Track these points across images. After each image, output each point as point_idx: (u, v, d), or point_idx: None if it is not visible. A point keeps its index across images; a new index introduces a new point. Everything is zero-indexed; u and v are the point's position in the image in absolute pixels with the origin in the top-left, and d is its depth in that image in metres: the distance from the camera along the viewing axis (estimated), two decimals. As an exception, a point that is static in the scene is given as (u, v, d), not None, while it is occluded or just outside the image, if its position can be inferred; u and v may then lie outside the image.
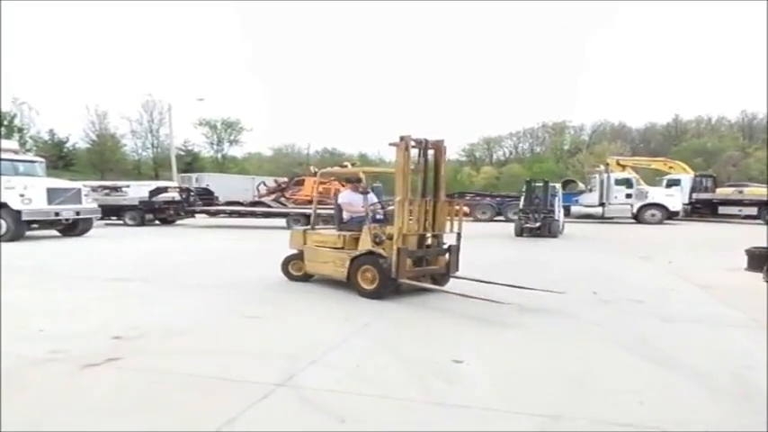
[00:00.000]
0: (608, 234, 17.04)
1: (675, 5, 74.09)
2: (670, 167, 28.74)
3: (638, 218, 22.38)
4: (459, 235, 6.37)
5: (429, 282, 6.38)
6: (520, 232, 15.28)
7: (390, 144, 6.03)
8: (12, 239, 12.90)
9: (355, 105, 74.36)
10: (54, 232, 14.82)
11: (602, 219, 23.05)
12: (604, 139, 56.36)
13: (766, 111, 50.46)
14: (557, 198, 15.57)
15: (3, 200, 12.96)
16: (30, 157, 15.58)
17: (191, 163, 49.91)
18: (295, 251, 7.17)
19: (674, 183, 25.01)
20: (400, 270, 5.75)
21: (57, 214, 13.68)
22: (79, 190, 14.56)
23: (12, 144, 17.18)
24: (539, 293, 5.96)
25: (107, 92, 75.13)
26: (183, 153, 50.95)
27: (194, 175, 31.92)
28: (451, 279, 6.58)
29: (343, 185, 27.62)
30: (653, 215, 22.28)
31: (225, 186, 28.07)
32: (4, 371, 3.48)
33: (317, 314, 5.39)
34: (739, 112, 58.16)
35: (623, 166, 27.04)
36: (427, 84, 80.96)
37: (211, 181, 31.43)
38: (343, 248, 6.45)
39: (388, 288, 5.87)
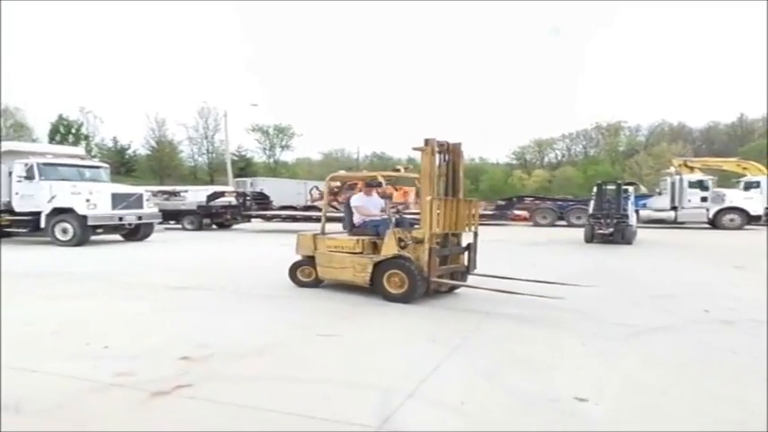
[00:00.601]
0: (686, 240, 15.76)
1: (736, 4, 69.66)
2: (744, 168, 26.65)
3: (714, 223, 20.76)
4: (476, 234, 6.49)
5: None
6: (590, 238, 14.33)
7: (415, 149, 6.12)
8: (77, 244, 13.09)
9: (406, 111, 74.08)
10: (117, 237, 15.03)
11: (674, 224, 21.54)
12: (663, 139, 53.40)
13: None
14: (629, 202, 14.49)
15: (69, 205, 13.18)
16: (95, 162, 15.87)
17: (244, 168, 50.78)
18: (301, 257, 7.03)
19: (752, 185, 23.11)
20: (432, 270, 5.89)
21: (120, 219, 13.81)
22: (141, 195, 14.67)
23: (79, 150, 17.69)
24: (625, 304, 5.22)
25: (164, 99, 77.65)
26: (236, 158, 51.90)
27: (249, 180, 32.16)
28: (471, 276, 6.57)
29: (396, 189, 27.31)
30: (731, 220, 20.61)
31: (278, 191, 28.13)
32: (65, 396, 3.14)
33: (395, 332, 4.86)
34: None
35: (691, 168, 25.32)
36: (469, 85, 79.48)
37: (265, 185, 31.56)
38: (362, 253, 6.37)
39: (418, 292, 5.90)
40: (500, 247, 13.55)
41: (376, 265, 6.15)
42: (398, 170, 7.11)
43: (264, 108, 63.37)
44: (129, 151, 47.90)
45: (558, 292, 5.86)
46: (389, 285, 6.07)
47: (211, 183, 43.40)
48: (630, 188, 15.62)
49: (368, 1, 74.30)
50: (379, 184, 6.75)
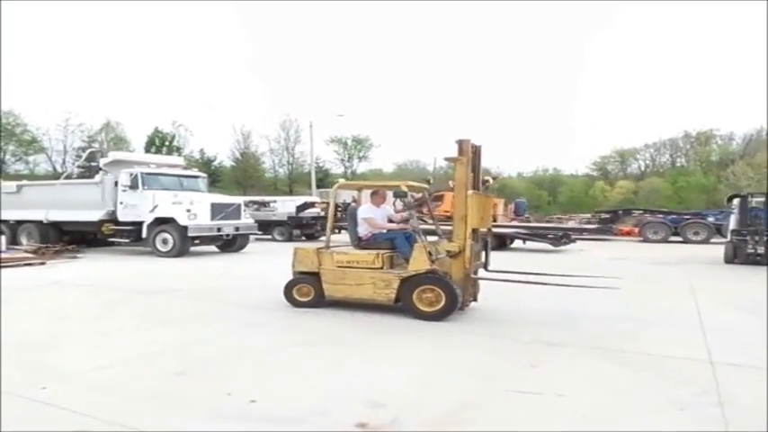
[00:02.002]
0: None
1: None
2: None
3: None
4: (490, 230, 6.54)
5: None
6: (732, 258, 12.43)
7: (448, 159, 6.04)
8: (177, 255, 12.85)
9: (475, 122, 72.54)
10: (213, 248, 14.78)
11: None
12: (761, 148, 48.38)
13: None
14: (781, 216, 12.44)
15: (170, 215, 12.99)
16: (193, 172, 15.80)
17: (322, 179, 50.98)
18: (298, 274, 6.48)
19: None
20: (468, 286, 5.95)
21: (219, 230, 13.49)
22: (239, 205, 14.35)
23: (178, 160, 17.79)
24: None
25: (248, 112, 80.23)
26: (314, 170, 52.29)
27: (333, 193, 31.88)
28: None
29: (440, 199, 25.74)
30: None
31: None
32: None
33: (622, 391, 3.71)
34: None
35: None
36: (540, 93, 76.20)
37: (347, 197, 31.18)
38: (381, 268, 5.95)
39: (455, 308, 5.69)
40: (627, 266, 12.00)
41: (403, 281, 5.76)
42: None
43: (344, 119, 63.94)
44: (215, 163, 49.47)
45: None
46: (420, 303, 5.75)
47: (290, 193, 43.79)
48: None
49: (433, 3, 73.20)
50: (404, 195, 6.08)
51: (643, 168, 58.56)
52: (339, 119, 49.36)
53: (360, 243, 6.47)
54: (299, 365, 4.18)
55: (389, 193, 6.72)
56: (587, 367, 4.20)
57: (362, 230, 6.50)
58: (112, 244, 15.02)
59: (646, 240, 20.62)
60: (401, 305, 5.95)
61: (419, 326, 5.54)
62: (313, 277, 6.34)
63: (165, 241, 13.08)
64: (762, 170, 44.82)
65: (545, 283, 6.44)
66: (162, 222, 13.16)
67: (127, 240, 13.97)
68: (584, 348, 4.72)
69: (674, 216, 21.58)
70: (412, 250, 5.93)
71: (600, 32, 72.14)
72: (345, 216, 7.37)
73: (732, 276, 10.46)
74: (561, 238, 15.73)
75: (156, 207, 13.28)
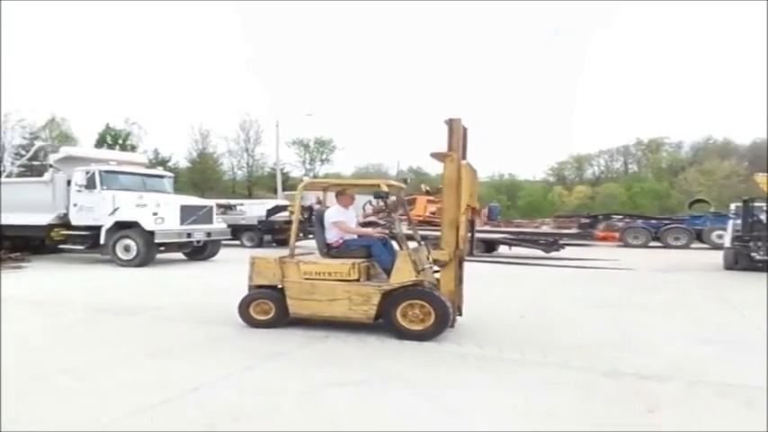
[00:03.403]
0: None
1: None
2: None
3: None
4: (474, 209, 5.68)
5: None
6: (733, 264, 12.09)
7: (435, 155, 5.25)
8: (140, 264, 11.40)
9: (438, 124, 72.24)
10: (179, 255, 13.31)
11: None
12: (710, 156, 50.49)
13: None
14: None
15: (134, 218, 11.51)
16: (159, 171, 14.26)
17: (284, 182, 49.40)
18: (256, 288, 5.54)
19: None
20: (458, 297, 5.43)
21: (189, 235, 12.09)
22: (211, 208, 13.00)
23: (142, 158, 16.15)
24: None
25: (206, 110, 76.94)
26: (274, 172, 50.63)
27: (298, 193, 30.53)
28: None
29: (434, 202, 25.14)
30: None
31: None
32: None
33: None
34: None
35: None
36: (499, 99, 77.08)
37: (314, 200, 29.95)
38: (358, 280, 5.15)
39: (446, 326, 5.03)
40: (635, 276, 11.43)
41: (385, 295, 5.00)
42: (406, 180, 6.38)
43: (305, 121, 61.73)
44: (170, 163, 46.94)
45: None
46: (405, 320, 5.02)
47: (249, 196, 42.10)
48: None
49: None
50: (386, 195, 5.35)
51: (598, 174, 60.04)
52: (301, 120, 47.91)
53: (329, 251, 5.63)
54: (362, 417, 3.12)
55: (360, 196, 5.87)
56: (719, 411, 3.32)
57: (332, 236, 5.65)
58: (62, 251, 13.33)
59: (626, 245, 20.39)
60: (381, 322, 5.14)
61: (458, 356, 4.57)
62: (275, 291, 5.44)
63: (126, 248, 11.58)
64: (712, 177, 46.60)
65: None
66: (123, 227, 11.65)
67: (81, 247, 12.32)
68: (691, 383, 3.86)
69: (653, 221, 21.51)
70: (392, 259, 5.22)
71: (553, 40, 73.40)
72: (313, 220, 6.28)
73: (752, 284, 9.93)
74: (553, 244, 15.13)
75: (116, 210, 11.77)
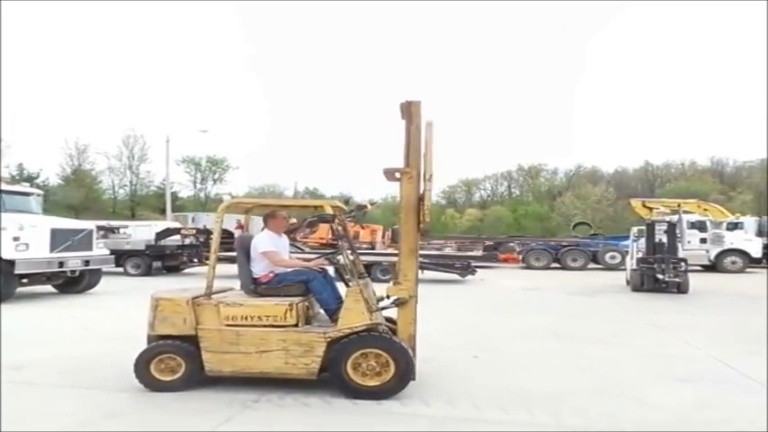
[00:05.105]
0: (722, 286, 14.34)
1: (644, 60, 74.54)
2: (705, 210, 26.68)
3: (716, 266, 19.87)
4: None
5: None
6: (639, 285, 12.49)
7: (387, 171, 4.30)
8: (-6, 301, 9.25)
9: (336, 143, 71.57)
10: (48, 288, 11.15)
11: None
12: (581, 182, 55.63)
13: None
14: (680, 243, 12.87)
15: (-13, 245, 9.36)
16: (24, 188, 11.94)
17: (172, 202, 45.94)
18: (162, 338, 4.32)
19: (734, 226, 22.69)
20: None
21: (61, 264, 10.11)
22: (91, 231, 11.05)
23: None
24: None
25: (82, 121, 69.67)
26: (160, 191, 47.01)
27: (190, 215, 28.31)
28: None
29: (362, 228, 24.52)
30: (733, 262, 19.85)
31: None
32: None
33: None
34: (709, 157, 57.72)
35: (650, 209, 24.77)
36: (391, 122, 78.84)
37: (209, 221, 27.89)
38: (296, 325, 4.18)
39: (409, 379, 4.12)
40: (550, 298, 11.40)
41: (332, 343, 4.10)
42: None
43: (197, 139, 57.69)
44: (39, 180, 41.63)
45: None
46: (358, 374, 4.08)
47: (132, 217, 38.54)
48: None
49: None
50: (332, 219, 4.42)
51: (485, 198, 63.33)
52: (193, 137, 44.69)
53: (257, 287, 4.61)
54: None
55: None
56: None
57: (260, 269, 4.65)
58: None
59: (528, 267, 20.97)
60: (326, 377, 4.16)
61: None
62: (185, 343, 4.25)
63: (-25, 283, 9.37)
64: (586, 201, 50.79)
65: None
66: (-28, 256, 9.43)
67: None
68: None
69: (553, 243, 22.32)
70: (335, 296, 4.51)
71: (427, 65, 76.45)
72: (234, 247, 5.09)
73: (668, 306, 10.12)
74: (467, 267, 14.96)
75: (-37, 235, 9.52)
